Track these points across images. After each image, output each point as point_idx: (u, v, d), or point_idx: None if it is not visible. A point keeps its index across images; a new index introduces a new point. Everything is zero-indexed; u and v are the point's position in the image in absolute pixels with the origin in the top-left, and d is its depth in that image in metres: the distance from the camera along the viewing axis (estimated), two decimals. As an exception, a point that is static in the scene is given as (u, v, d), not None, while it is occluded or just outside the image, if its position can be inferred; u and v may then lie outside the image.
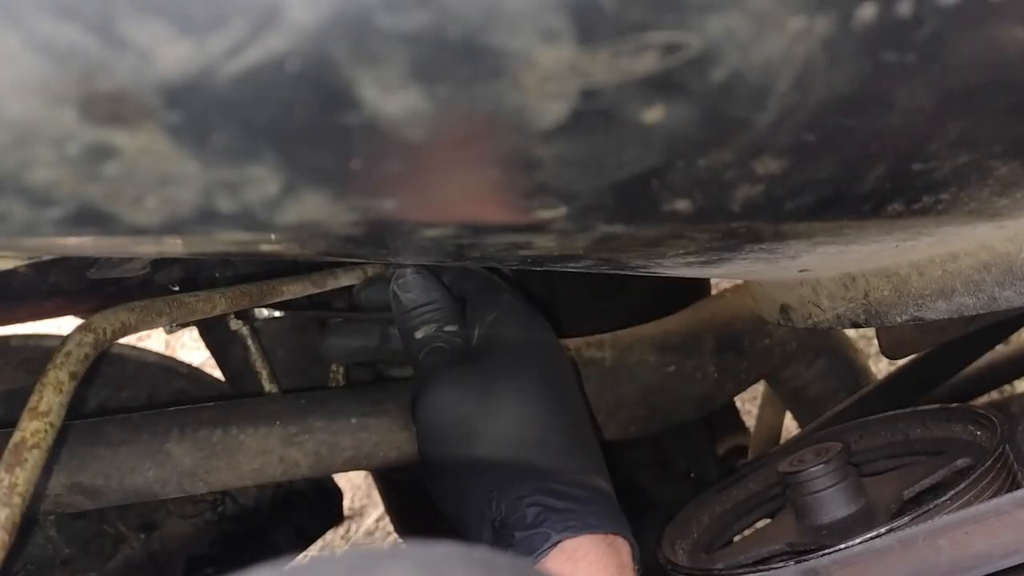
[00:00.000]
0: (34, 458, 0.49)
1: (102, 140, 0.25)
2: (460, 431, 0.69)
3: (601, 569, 0.63)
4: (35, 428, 0.50)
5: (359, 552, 0.25)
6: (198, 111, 0.25)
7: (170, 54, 0.23)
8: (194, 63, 0.24)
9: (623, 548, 0.65)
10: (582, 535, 0.63)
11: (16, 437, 0.49)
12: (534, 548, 0.62)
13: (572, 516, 0.64)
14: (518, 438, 0.68)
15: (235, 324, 0.80)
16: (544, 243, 0.40)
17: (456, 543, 0.26)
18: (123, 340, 0.62)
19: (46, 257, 0.63)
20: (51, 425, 0.51)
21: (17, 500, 0.47)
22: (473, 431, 0.68)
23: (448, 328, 0.73)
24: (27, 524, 0.76)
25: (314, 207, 0.30)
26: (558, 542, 0.62)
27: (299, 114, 0.26)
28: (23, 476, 0.48)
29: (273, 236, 0.33)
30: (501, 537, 0.64)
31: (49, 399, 0.51)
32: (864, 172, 0.35)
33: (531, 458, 0.67)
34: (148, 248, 0.35)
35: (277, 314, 0.76)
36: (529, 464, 0.67)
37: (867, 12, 0.26)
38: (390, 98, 0.26)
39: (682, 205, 0.35)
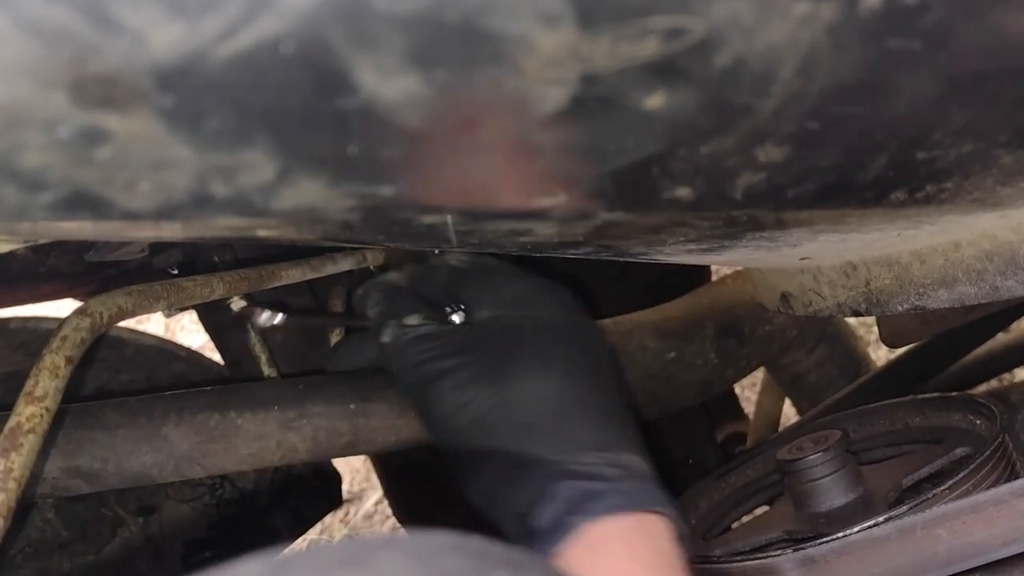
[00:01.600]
0: (30, 443, 0.49)
1: (94, 124, 0.25)
2: (471, 424, 0.65)
3: (628, 555, 0.57)
4: (31, 413, 0.50)
5: (353, 542, 0.25)
6: (191, 95, 0.24)
7: (162, 37, 0.23)
8: (187, 46, 0.23)
9: (660, 528, 0.59)
10: (605, 518, 0.57)
11: (12, 422, 0.49)
12: (556, 540, 0.57)
13: (594, 499, 0.58)
14: (531, 423, 0.63)
15: (236, 305, 0.79)
16: (544, 230, 0.39)
17: (451, 532, 0.26)
18: (122, 323, 0.62)
19: (43, 240, 0.63)
20: (47, 410, 0.50)
21: (12, 485, 0.47)
22: (484, 423, 0.64)
23: (409, 320, 0.70)
24: (24, 508, 0.76)
25: (310, 193, 0.30)
26: (579, 529, 0.57)
27: (294, 98, 0.25)
28: (18, 461, 0.48)
29: (269, 221, 0.32)
30: (525, 532, 0.59)
31: (45, 384, 0.51)
32: (867, 160, 0.35)
33: (547, 441, 0.62)
34: (144, 232, 0.35)
35: (277, 322, 0.76)
36: (547, 448, 0.61)
37: (873, -2, 0.26)
38: (387, 82, 0.25)
39: (683, 192, 0.34)
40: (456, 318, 0.71)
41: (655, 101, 0.28)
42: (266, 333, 0.82)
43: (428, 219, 0.35)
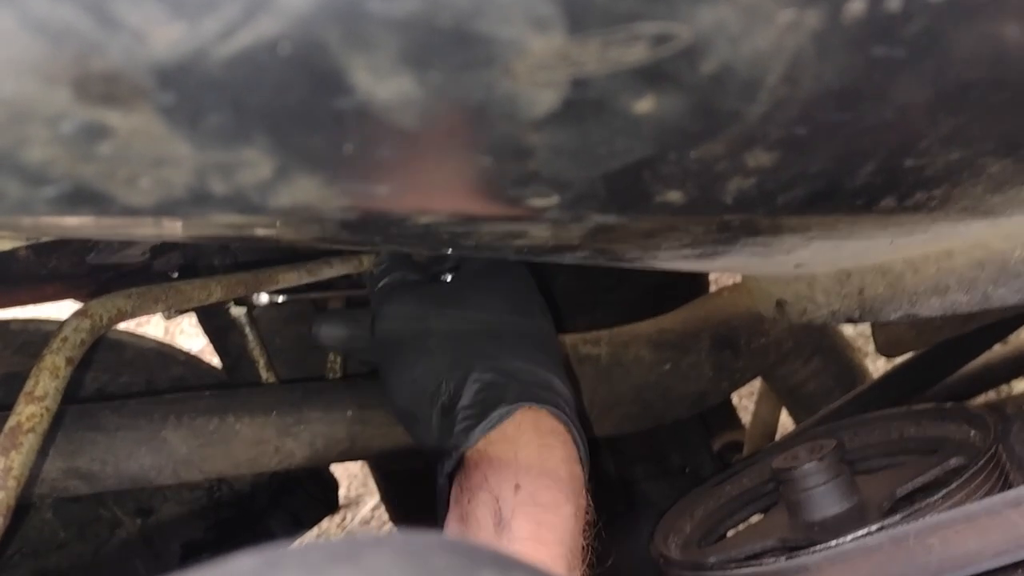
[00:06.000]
0: (29, 442, 0.49)
1: (96, 120, 0.26)
2: (414, 330, 0.69)
3: (547, 433, 0.61)
4: (31, 412, 0.50)
5: (344, 539, 0.25)
6: (191, 93, 0.25)
7: (163, 36, 0.24)
8: (187, 45, 0.24)
9: (568, 431, 0.63)
10: (526, 406, 0.61)
11: (12, 421, 0.50)
12: (477, 422, 0.61)
13: (516, 389, 0.62)
14: (470, 331, 0.68)
15: (236, 311, 0.80)
16: (538, 232, 0.40)
17: (440, 532, 0.26)
18: (122, 325, 0.62)
19: (45, 239, 0.63)
20: (47, 410, 0.51)
21: (12, 483, 0.48)
22: (426, 329, 0.69)
23: (412, 276, 0.75)
24: (23, 507, 0.76)
25: (307, 191, 0.30)
26: (504, 414, 0.61)
27: (291, 98, 0.26)
28: (18, 460, 0.48)
29: (267, 219, 0.33)
30: (447, 419, 0.63)
31: (45, 384, 0.51)
32: (856, 167, 0.35)
33: (482, 345, 0.67)
34: (144, 229, 0.35)
35: (280, 299, 0.76)
36: (479, 349, 0.66)
37: (857, 6, 0.27)
38: (382, 83, 0.26)
39: (674, 196, 0.35)
40: (448, 277, 0.76)
41: (644, 105, 0.29)
42: (264, 337, 0.82)
43: (424, 220, 0.36)
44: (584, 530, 0.61)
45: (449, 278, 0.76)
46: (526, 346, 0.68)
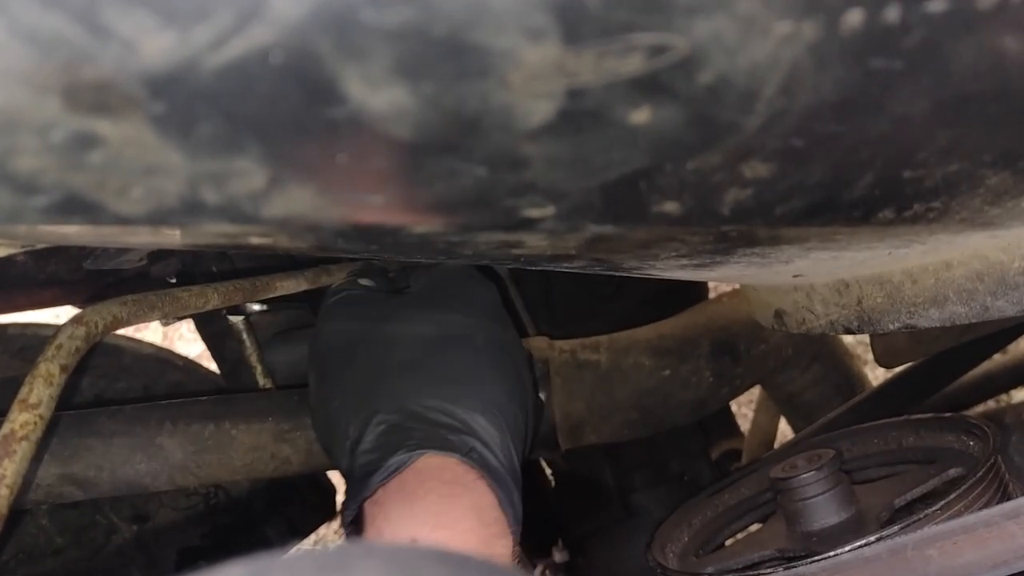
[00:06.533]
0: (23, 450, 0.49)
1: (86, 129, 0.25)
2: (342, 358, 0.67)
3: (450, 482, 0.56)
4: (24, 420, 0.50)
5: (333, 549, 0.25)
6: (182, 102, 0.25)
7: (154, 45, 0.23)
8: (178, 54, 0.24)
9: (478, 483, 0.58)
10: (427, 453, 0.57)
11: (5, 429, 0.50)
12: (375, 469, 0.57)
13: (420, 434, 0.58)
14: (392, 363, 0.64)
15: (233, 318, 0.80)
16: (535, 242, 0.40)
17: (431, 544, 0.26)
18: (121, 331, 0.62)
19: (41, 246, 0.63)
20: (41, 417, 0.51)
21: (4, 491, 0.47)
22: (352, 358, 0.66)
23: (364, 280, 0.73)
24: (17, 514, 0.76)
25: (300, 201, 0.30)
26: (403, 462, 0.57)
27: (284, 107, 0.26)
28: (11, 468, 0.48)
29: (261, 229, 0.33)
30: (354, 461, 0.60)
31: (39, 391, 0.51)
32: (854, 178, 0.35)
33: (396, 383, 0.63)
34: (138, 238, 0.35)
35: (257, 308, 0.76)
36: (392, 387, 0.62)
37: (854, 18, 0.26)
38: (375, 94, 0.26)
39: (671, 207, 0.35)
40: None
41: (640, 116, 0.28)
42: (261, 343, 0.82)
43: (419, 229, 0.36)
44: None
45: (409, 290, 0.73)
46: (450, 380, 0.64)
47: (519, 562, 0.59)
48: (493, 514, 0.58)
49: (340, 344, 0.68)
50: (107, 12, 0.23)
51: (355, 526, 0.59)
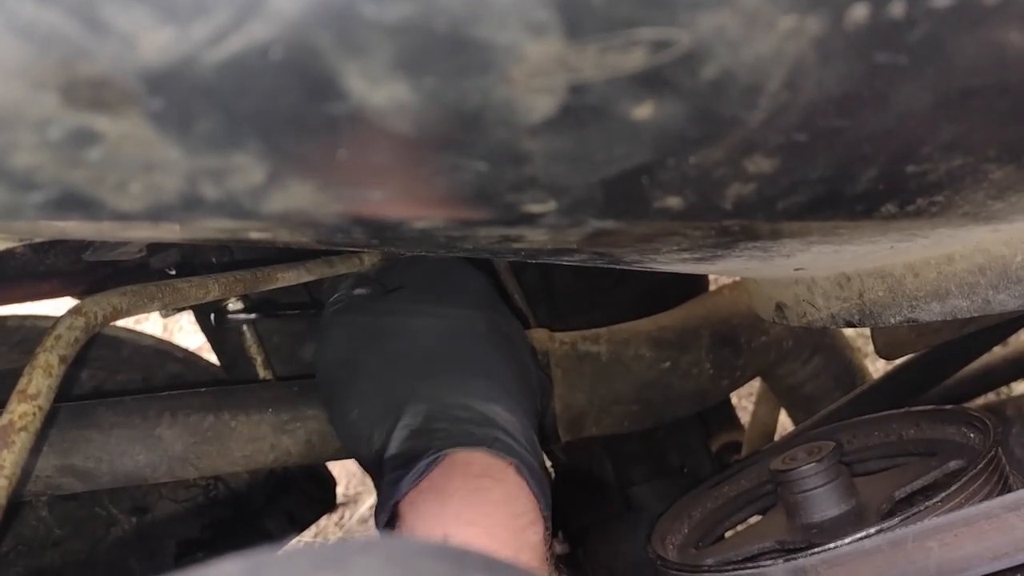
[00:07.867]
0: (21, 441, 0.49)
1: (84, 125, 0.25)
2: (349, 367, 0.68)
3: (479, 476, 0.58)
4: (23, 411, 0.50)
5: (331, 545, 0.25)
6: (181, 98, 0.25)
7: (152, 41, 0.23)
8: (177, 50, 0.23)
9: (506, 472, 0.60)
10: (453, 451, 0.59)
11: (4, 420, 0.49)
12: (404, 473, 0.59)
13: (444, 433, 0.60)
14: (405, 366, 0.66)
15: (233, 307, 0.80)
16: (536, 237, 0.39)
17: (429, 539, 0.26)
18: (121, 322, 0.62)
19: (40, 239, 0.63)
20: (39, 408, 0.51)
21: (3, 482, 0.47)
22: (362, 365, 0.67)
23: (358, 291, 0.73)
24: (16, 505, 0.76)
25: (300, 197, 0.30)
26: (431, 463, 0.58)
27: (283, 103, 0.25)
28: (10, 458, 0.48)
29: (260, 224, 0.33)
30: (383, 468, 0.61)
31: (38, 382, 0.51)
32: (857, 173, 0.35)
33: (414, 384, 0.64)
34: (137, 233, 0.35)
35: (253, 315, 0.77)
36: (411, 389, 0.64)
37: (859, 12, 0.26)
38: (376, 89, 0.25)
39: (673, 202, 0.35)
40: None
41: (643, 111, 0.28)
42: (261, 335, 0.82)
43: (420, 224, 0.35)
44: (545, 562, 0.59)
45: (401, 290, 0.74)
46: (465, 375, 0.65)
47: (549, 547, 0.60)
48: (523, 502, 0.59)
49: (346, 353, 0.69)
50: (105, 7, 0.22)
51: (390, 528, 0.60)
